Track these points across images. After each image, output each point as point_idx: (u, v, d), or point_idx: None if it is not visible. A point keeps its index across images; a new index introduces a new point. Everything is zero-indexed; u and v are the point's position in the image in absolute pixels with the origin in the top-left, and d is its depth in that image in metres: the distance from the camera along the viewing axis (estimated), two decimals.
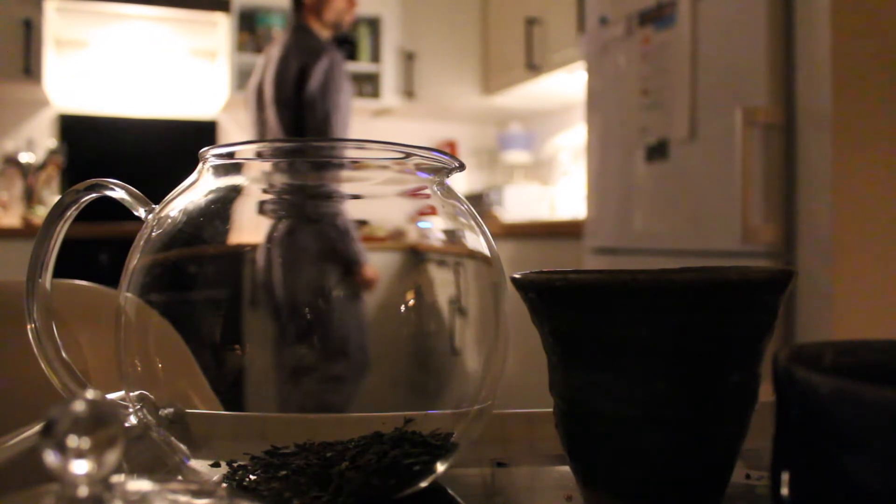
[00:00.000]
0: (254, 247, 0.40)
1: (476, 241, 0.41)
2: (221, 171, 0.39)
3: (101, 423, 0.19)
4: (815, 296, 1.53)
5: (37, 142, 3.32)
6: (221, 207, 0.39)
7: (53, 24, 3.17)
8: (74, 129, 3.35)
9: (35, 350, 0.39)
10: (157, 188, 0.51)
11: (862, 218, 1.51)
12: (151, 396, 0.37)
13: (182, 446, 0.38)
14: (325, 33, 2.31)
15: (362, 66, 3.54)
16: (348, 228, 0.40)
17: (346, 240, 0.41)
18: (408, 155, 0.39)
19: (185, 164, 0.46)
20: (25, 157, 3.19)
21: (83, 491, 0.19)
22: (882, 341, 0.27)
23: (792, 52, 1.60)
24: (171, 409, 0.38)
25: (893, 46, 1.53)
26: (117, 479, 0.20)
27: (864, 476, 0.20)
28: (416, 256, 0.41)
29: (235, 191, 0.40)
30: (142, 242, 0.39)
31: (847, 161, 1.51)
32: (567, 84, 3.23)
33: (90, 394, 0.19)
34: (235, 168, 0.40)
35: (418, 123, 3.94)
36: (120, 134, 3.40)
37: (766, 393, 0.31)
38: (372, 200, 0.41)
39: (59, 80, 3.33)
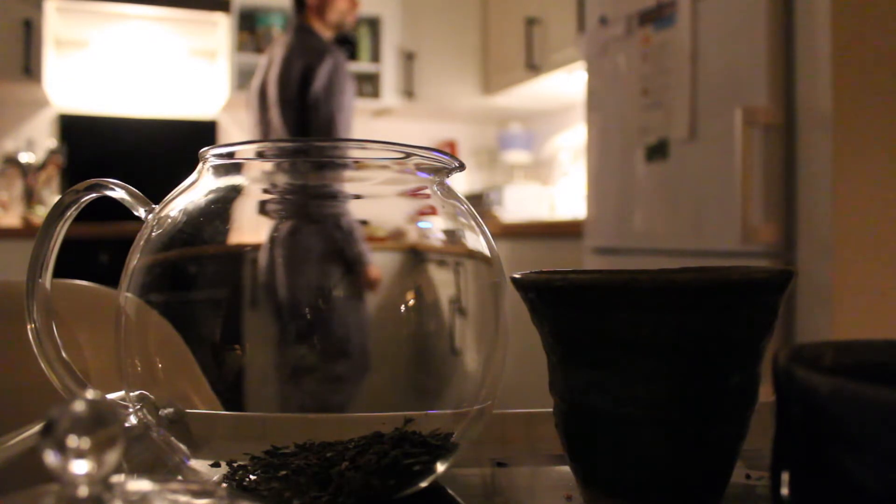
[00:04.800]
0: (254, 247, 0.40)
1: (476, 241, 0.41)
2: (221, 171, 0.39)
3: (101, 423, 0.19)
4: (815, 296, 1.53)
5: (37, 142, 3.32)
6: (221, 207, 0.39)
7: (53, 24, 3.17)
8: (74, 129, 3.35)
9: (35, 350, 0.39)
10: (157, 188, 0.51)
11: (862, 218, 1.51)
12: (151, 396, 0.37)
13: (182, 446, 0.38)
14: (327, 34, 2.31)
15: (362, 66, 3.54)
16: (352, 229, 0.40)
17: (350, 240, 0.41)
18: (408, 155, 0.39)
19: (185, 164, 0.46)
20: (25, 157, 3.19)
21: (83, 491, 0.18)
22: (882, 341, 0.27)
23: (792, 52, 1.60)
24: (171, 409, 0.38)
25: (893, 46, 1.53)
26: (117, 479, 0.20)
27: (864, 476, 0.20)
28: (416, 256, 0.41)
29: (235, 191, 0.40)
30: (142, 242, 0.39)
31: (847, 161, 1.51)
32: (567, 84, 3.23)
33: (90, 394, 0.19)
34: (235, 168, 0.40)
35: (418, 123, 3.94)
36: (120, 134, 3.40)
37: (766, 393, 0.31)
38: (372, 200, 0.41)
39: (59, 80, 3.33)
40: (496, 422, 0.46)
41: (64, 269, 0.45)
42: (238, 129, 3.55)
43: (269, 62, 2.34)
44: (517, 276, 0.36)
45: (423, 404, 0.40)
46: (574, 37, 2.90)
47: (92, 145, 3.34)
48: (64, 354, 0.39)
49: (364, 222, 0.41)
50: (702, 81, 1.78)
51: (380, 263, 0.40)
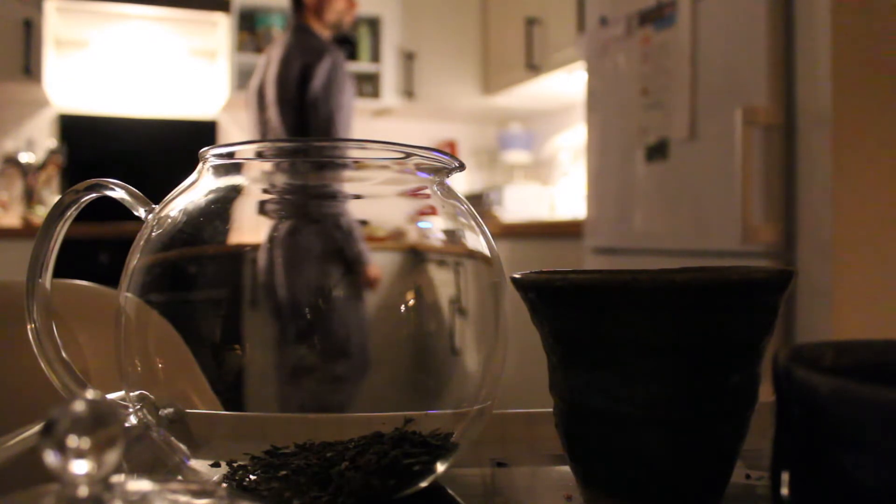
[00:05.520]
0: (254, 247, 0.40)
1: (476, 241, 0.41)
2: (221, 171, 0.39)
3: (101, 423, 0.19)
4: (815, 296, 1.53)
5: (37, 142, 3.32)
6: (221, 207, 0.39)
7: (53, 24, 3.17)
8: (74, 129, 3.35)
9: (35, 350, 0.39)
10: (157, 188, 0.51)
11: (862, 218, 1.51)
12: (151, 396, 0.37)
13: (182, 446, 0.38)
14: (325, 33, 2.31)
15: (362, 66, 3.54)
16: (352, 228, 0.40)
17: (349, 240, 0.41)
18: (408, 155, 0.39)
19: (185, 164, 0.46)
20: (25, 157, 3.19)
21: (83, 491, 0.18)
22: (882, 341, 0.27)
23: (792, 52, 1.60)
24: (171, 409, 0.38)
25: (893, 46, 1.53)
26: (117, 479, 0.20)
27: (863, 475, 0.20)
28: (416, 256, 0.41)
29: (235, 191, 0.40)
30: (142, 242, 0.39)
31: (847, 161, 1.50)
32: (567, 84, 3.23)
33: (90, 394, 0.19)
34: (235, 168, 0.40)
35: (418, 123, 3.93)
36: (120, 134, 3.40)
37: (766, 393, 0.31)
38: (372, 200, 0.41)
39: (59, 80, 3.33)
40: (496, 422, 0.46)
41: (64, 269, 0.45)
42: (238, 129, 3.55)
43: (268, 62, 2.34)
44: (517, 276, 0.36)
45: (423, 404, 0.40)
46: (574, 37, 2.90)
47: (92, 145, 3.34)
48: (64, 354, 0.39)
49: (364, 222, 0.41)
50: (702, 81, 1.78)
51: (380, 263, 0.40)
